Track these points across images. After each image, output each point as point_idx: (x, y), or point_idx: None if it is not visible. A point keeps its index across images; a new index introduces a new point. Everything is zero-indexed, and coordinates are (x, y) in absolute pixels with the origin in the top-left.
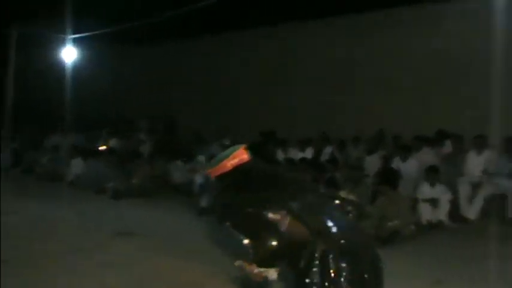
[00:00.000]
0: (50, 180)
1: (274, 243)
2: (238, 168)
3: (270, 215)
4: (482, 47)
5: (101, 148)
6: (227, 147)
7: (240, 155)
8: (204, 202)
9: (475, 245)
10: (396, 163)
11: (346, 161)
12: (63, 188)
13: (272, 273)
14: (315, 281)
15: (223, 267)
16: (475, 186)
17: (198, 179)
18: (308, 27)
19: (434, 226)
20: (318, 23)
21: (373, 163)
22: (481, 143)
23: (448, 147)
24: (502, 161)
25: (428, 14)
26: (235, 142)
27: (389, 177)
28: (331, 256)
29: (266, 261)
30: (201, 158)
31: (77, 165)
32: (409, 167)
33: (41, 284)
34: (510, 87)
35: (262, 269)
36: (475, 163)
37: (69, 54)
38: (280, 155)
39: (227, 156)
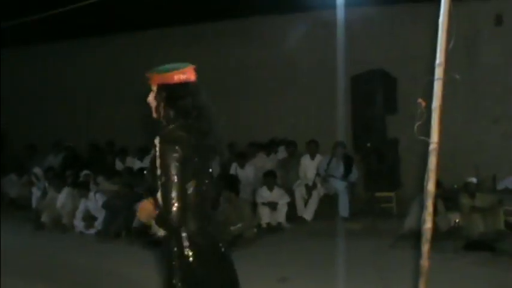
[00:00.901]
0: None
1: None
2: (181, 85)
3: None
4: (304, 60)
5: None
6: (71, 150)
7: (189, 73)
8: (44, 216)
9: (313, 244)
10: (234, 169)
11: None
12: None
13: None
14: None
15: (70, 281)
16: (310, 189)
17: (36, 192)
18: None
19: (274, 228)
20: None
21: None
22: (313, 148)
23: (282, 152)
24: (333, 164)
25: (255, 27)
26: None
27: (230, 183)
28: None
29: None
30: (38, 170)
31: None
32: (246, 172)
33: None
34: (336, 95)
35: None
36: (309, 167)
37: None
38: (119, 165)
39: (176, 69)
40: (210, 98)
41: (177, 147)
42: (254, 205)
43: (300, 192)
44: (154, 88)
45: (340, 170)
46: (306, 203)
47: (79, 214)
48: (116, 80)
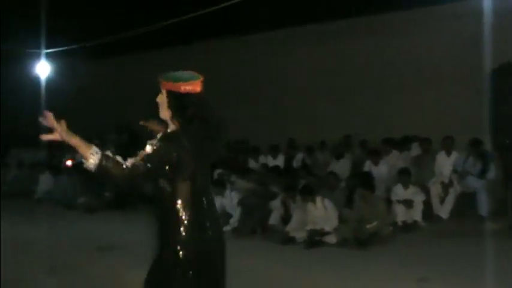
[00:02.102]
0: (16, 197)
1: None
2: (187, 95)
3: None
4: (443, 54)
5: (68, 163)
6: None
7: (196, 85)
8: None
9: (451, 243)
10: (368, 167)
11: (314, 166)
12: (31, 205)
13: None
14: None
15: None
16: (446, 186)
17: None
18: (268, 36)
19: (410, 226)
20: (278, 32)
21: (342, 168)
22: (449, 144)
23: (416, 149)
24: (469, 161)
25: (386, 22)
26: None
27: (365, 181)
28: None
29: None
30: None
31: (45, 182)
32: (380, 170)
33: None
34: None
35: None
36: (445, 164)
37: (41, 69)
38: (252, 163)
39: (184, 80)
40: (217, 108)
41: (171, 147)
42: (389, 203)
43: (435, 189)
44: (164, 91)
45: (478, 167)
46: (441, 201)
47: None
48: (248, 79)
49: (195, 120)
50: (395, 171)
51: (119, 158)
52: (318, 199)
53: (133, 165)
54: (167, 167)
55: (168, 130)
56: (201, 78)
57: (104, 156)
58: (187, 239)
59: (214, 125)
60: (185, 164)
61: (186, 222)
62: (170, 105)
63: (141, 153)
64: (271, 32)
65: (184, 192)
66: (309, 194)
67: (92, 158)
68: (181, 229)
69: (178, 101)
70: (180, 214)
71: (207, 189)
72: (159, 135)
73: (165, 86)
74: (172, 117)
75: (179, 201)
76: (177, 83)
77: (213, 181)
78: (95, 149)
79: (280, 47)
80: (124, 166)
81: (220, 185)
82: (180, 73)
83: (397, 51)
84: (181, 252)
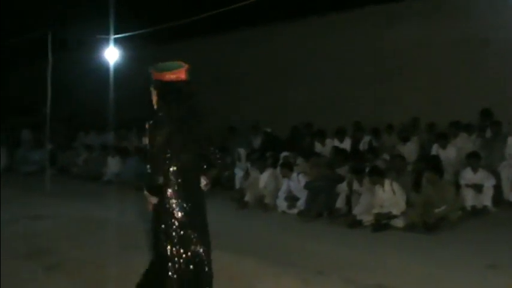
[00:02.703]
0: (86, 179)
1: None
2: (171, 83)
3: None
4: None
5: (136, 145)
6: (269, 134)
7: (179, 73)
8: (247, 196)
9: None
10: (436, 150)
11: (381, 149)
12: (101, 187)
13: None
14: None
15: (276, 258)
16: None
17: (239, 172)
18: (328, 20)
19: (479, 211)
20: (338, 14)
21: (408, 151)
22: None
23: (486, 132)
24: None
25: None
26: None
27: (432, 165)
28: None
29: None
30: (241, 151)
31: (114, 164)
32: (448, 153)
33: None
34: None
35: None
36: None
37: (111, 54)
38: (318, 147)
39: (168, 69)
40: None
41: (159, 130)
42: (457, 187)
43: (506, 174)
44: (153, 80)
45: None
46: None
47: (282, 194)
48: (313, 62)
49: (176, 105)
50: (463, 155)
51: None
52: (387, 182)
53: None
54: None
55: (155, 115)
56: (185, 67)
57: None
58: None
59: (194, 110)
60: (170, 143)
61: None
62: (156, 93)
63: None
64: (333, 14)
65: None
66: (378, 176)
67: None
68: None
69: (162, 88)
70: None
71: (190, 168)
72: (147, 125)
73: (154, 76)
74: (158, 103)
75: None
76: (162, 73)
77: (281, 164)
78: None
79: (344, 29)
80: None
81: (287, 168)
82: (167, 64)
83: (464, 33)
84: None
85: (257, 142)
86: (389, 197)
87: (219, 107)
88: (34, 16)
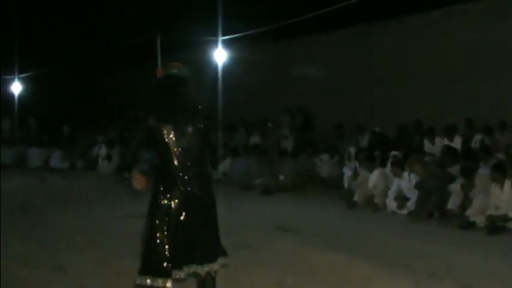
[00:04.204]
0: None
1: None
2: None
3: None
4: None
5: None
6: (377, 133)
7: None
8: (356, 196)
9: None
10: None
11: (494, 148)
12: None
13: None
14: None
15: (386, 259)
16: None
17: (347, 171)
18: (439, 15)
19: None
20: (448, 10)
21: None
22: None
23: None
24: None
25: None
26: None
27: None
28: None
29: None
30: (351, 150)
31: (223, 163)
32: None
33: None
34: None
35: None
36: None
37: (219, 56)
38: (427, 146)
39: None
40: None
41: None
42: None
43: None
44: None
45: None
46: None
47: (392, 194)
48: (418, 60)
49: (171, 96)
50: None
51: None
52: (507, 182)
53: None
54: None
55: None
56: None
57: None
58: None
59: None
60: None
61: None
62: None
63: None
64: (433, 12)
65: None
66: (501, 173)
67: None
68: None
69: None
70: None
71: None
72: None
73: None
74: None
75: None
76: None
77: (392, 162)
78: None
79: (445, 26)
80: None
81: (398, 167)
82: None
83: None
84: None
85: (364, 141)
86: (507, 198)
87: (327, 107)
88: (143, 19)
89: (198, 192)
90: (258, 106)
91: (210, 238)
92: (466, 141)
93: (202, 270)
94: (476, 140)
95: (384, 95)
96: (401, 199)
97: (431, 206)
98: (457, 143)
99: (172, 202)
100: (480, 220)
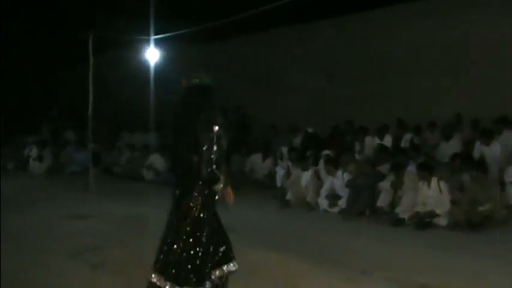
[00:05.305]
0: (129, 179)
1: None
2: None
3: None
4: None
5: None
6: (310, 134)
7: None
8: (288, 195)
9: None
10: (479, 147)
11: (423, 146)
12: (143, 186)
13: None
14: None
15: (319, 257)
16: None
17: (280, 171)
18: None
19: None
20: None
21: (451, 148)
22: None
23: None
24: None
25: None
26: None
27: (477, 162)
28: None
29: None
30: (283, 150)
31: (158, 164)
32: (492, 150)
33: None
34: None
35: None
36: None
37: (152, 55)
38: (357, 146)
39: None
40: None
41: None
42: (502, 185)
43: None
44: None
45: None
46: None
47: (324, 192)
48: (352, 60)
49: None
50: (508, 152)
51: None
52: (434, 180)
53: None
54: None
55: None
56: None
57: None
58: None
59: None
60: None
61: None
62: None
63: None
64: (377, 10)
65: None
66: (427, 171)
67: None
68: None
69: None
70: None
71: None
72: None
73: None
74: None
75: None
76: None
77: (326, 161)
78: None
79: (386, 25)
80: None
81: (332, 165)
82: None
83: (507, 28)
84: None
85: (298, 141)
86: (434, 195)
87: (260, 106)
88: (75, 18)
89: None
90: None
91: None
92: (396, 140)
93: None
94: (406, 138)
95: (318, 95)
96: (333, 198)
97: (362, 204)
98: (387, 141)
99: None
100: (409, 216)
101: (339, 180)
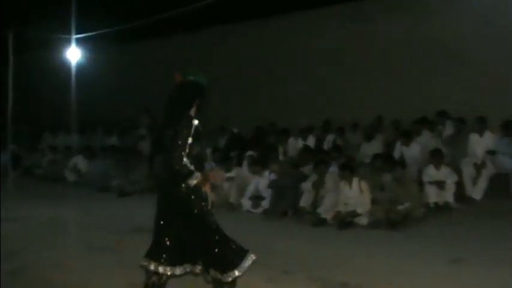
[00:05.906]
0: (51, 181)
1: None
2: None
3: None
4: (474, 33)
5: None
6: (235, 135)
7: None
8: (212, 195)
9: (484, 224)
10: (399, 148)
11: (345, 147)
12: (66, 188)
13: None
14: None
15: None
16: (479, 167)
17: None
18: (299, 17)
19: (441, 208)
20: (310, 12)
21: (372, 149)
22: (482, 125)
23: (449, 129)
24: (502, 142)
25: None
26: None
27: (396, 162)
28: None
29: None
30: (207, 151)
31: (80, 165)
32: (412, 151)
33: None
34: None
35: None
36: (478, 144)
37: (72, 54)
38: (280, 148)
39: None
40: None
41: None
42: (421, 184)
43: (468, 170)
44: None
45: (510, 148)
46: (474, 182)
47: (248, 193)
48: (277, 61)
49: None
50: (427, 152)
51: None
52: (355, 180)
53: None
54: None
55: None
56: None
57: None
58: None
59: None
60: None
61: None
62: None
63: None
64: (296, 13)
65: None
66: (349, 171)
67: None
68: None
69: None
70: None
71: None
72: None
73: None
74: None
75: None
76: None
77: (253, 161)
78: None
79: (309, 27)
80: None
81: (260, 166)
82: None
83: (426, 31)
84: None
85: (223, 142)
86: (355, 195)
87: None
88: None
89: None
90: (116, 106)
91: None
92: (319, 141)
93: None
94: (329, 139)
95: (244, 96)
96: (257, 198)
97: (285, 204)
98: (310, 142)
99: None
100: (331, 217)
101: (265, 180)
